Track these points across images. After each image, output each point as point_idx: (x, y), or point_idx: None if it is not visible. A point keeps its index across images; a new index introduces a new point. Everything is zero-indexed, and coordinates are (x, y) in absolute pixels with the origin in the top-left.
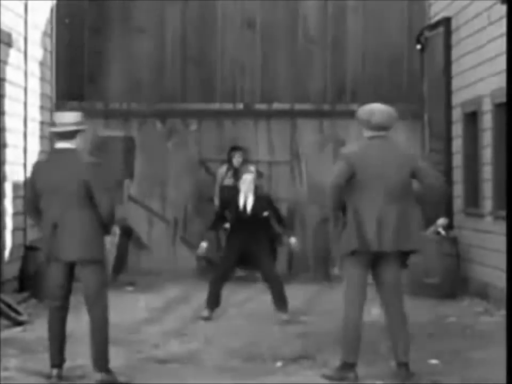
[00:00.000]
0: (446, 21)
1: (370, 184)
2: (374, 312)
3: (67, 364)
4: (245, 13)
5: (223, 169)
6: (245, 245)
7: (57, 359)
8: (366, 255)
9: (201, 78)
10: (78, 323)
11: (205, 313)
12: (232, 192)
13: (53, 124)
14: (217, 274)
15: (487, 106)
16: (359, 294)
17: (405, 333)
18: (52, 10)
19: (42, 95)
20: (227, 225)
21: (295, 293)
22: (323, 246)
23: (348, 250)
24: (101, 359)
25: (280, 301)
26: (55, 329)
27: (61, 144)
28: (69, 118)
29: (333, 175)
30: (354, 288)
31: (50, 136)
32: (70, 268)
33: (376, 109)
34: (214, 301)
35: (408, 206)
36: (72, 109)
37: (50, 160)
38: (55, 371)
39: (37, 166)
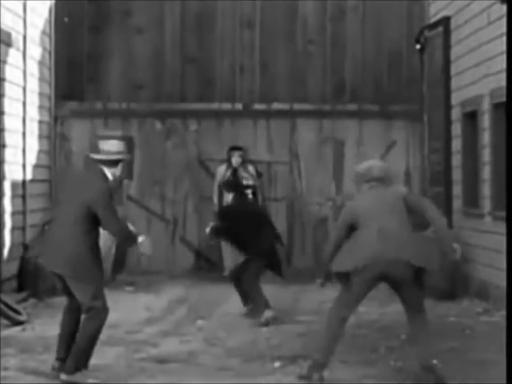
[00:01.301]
0: (446, 21)
1: (370, 220)
2: None
3: None
4: (244, 12)
5: (222, 168)
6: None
7: (62, 353)
8: (369, 271)
9: (201, 78)
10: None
11: (269, 313)
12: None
13: (96, 149)
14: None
15: (486, 106)
16: (351, 303)
17: (427, 338)
18: (50, 10)
19: (42, 95)
20: None
21: (294, 293)
22: (322, 246)
23: (343, 269)
24: (68, 362)
25: (249, 304)
26: (64, 328)
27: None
28: (113, 147)
29: (335, 227)
30: (346, 299)
31: (91, 160)
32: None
33: (374, 165)
34: (264, 301)
35: (406, 230)
36: (71, 110)
37: (78, 172)
38: (57, 363)
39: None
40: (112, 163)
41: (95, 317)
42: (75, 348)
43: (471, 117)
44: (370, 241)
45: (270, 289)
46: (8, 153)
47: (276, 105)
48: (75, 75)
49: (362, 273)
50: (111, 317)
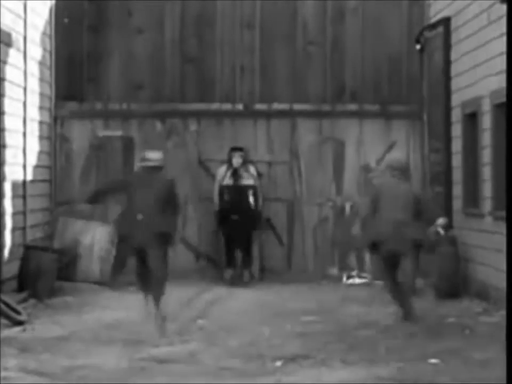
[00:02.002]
0: (446, 21)
1: (383, 207)
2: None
3: (67, 364)
4: (244, 13)
5: (222, 169)
6: None
7: None
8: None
9: (201, 78)
10: (79, 323)
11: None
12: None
13: (144, 159)
14: None
15: (486, 106)
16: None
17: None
18: (51, 10)
19: (42, 95)
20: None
21: (294, 293)
22: (322, 246)
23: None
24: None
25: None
26: None
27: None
28: (157, 156)
29: (363, 209)
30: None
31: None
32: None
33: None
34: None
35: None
36: (72, 110)
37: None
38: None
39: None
40: (157, 169)
41: None
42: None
43: (471, 118)
44: (380, 224)
45: (271, 289)
46: (9, 154)
47: (276, 106)
48: (75, 75)
49: (381, 246)
50: (112, 317)
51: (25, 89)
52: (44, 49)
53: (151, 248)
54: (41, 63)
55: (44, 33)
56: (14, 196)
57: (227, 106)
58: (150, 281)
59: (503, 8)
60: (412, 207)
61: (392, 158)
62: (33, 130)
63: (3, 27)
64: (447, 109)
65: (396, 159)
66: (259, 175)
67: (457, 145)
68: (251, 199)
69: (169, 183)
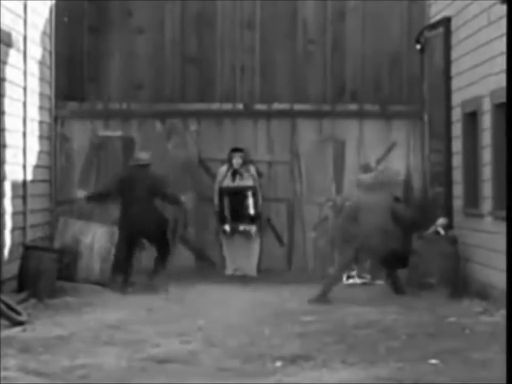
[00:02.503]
0: (446, 21)
1: (363, 216)
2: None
3: (67, 364)
4: (244, 13)
5: (223, 169)
6: None
7: None
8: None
9: (201, 78)
10: (79, 323)
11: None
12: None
13: (134, 159)
14: None
15: (486, 106)
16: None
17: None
18: (51, 10)
19: (42, 95)
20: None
21: (294, 293)
22: (322, 246)
23: None
24: None
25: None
26: None
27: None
28: (145, 156)
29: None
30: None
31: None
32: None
33: (368, 176)
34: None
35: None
36: (72, 110)
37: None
38: None
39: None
40: (146, 166)
41: None
42: None
43: (471, 117)
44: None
45: (271, 289)
46: (9, 154)
47: (276, 106)
48: (75, 75)
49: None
50: (112, 317)
51: (25, 89)
52: (44, 49)
53: (148, 234)
54: (41, 63)
55: (44, 33)
56: (14, 196)
57: (227, 106)
58: (131, 267)
59: (503, 8)
60: (389, 216)
61: (363, 177)
62: (33, 130)
63: (3, 27)
64: (448, 109)
65: (370, 177)
66: (259, 175)
67: (457, 145)
68: (251, 201)
69: (158, 178)
